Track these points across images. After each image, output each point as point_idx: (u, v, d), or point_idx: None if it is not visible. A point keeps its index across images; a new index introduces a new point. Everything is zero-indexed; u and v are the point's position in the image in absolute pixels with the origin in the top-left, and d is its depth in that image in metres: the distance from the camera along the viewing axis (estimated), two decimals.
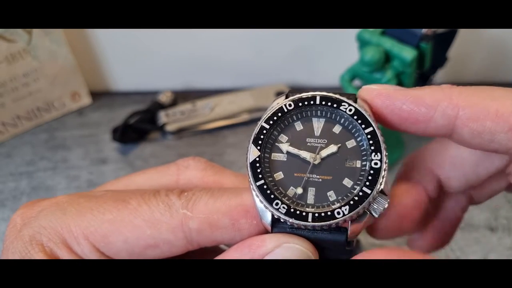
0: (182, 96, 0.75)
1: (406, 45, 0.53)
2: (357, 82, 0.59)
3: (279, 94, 0.72)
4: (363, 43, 0.56)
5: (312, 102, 0.29)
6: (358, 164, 0.28)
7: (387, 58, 0.54)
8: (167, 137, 0.69)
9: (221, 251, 0.30)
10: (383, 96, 0.29)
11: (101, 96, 0.76)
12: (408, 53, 0.52)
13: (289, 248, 0.27)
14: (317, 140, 0.29)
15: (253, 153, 0.28)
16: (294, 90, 0.30)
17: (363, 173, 0.28)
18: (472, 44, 0.71)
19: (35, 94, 0.69)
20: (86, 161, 0.65)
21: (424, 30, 0.52)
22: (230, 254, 0.28)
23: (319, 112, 0.29)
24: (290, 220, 0.27)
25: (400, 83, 0.56)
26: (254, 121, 0.70)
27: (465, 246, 0.52)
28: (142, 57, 0.74)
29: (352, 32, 0.57)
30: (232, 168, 0.63)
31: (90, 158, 0.66)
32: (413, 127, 0.30)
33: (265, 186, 0.27)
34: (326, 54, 0.72)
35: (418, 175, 0.33)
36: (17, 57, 0.65)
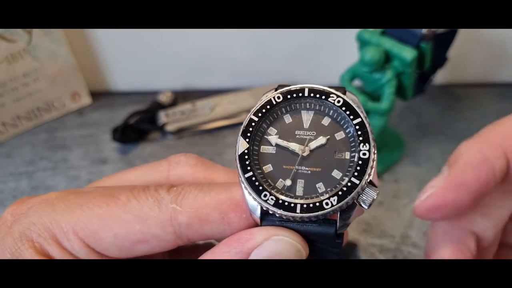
0: (182, 96, 0.75)
1: (406, 45, 0.53)
2: (357, 82, 0.59)
3: None
4: (363, 43, 0.56)
5: (300, 94, 0.29)
6: (347, 155, 0.28)
7: (387, 58, 0.54)
8: (167, 137, 0.69)
9: (211, 246, 0.30)
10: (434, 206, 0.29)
11: (101, 96, 0.76)
12: (408, 53, 0.52)
13: (278, 240, 0.27)
14: (306, 132, 0.29)
15: (242, 145, 0.28)
16: (284, 84, 0.30)
17: (352, 164, 0.28)
18: (472, 44, 0.71)
19: (35, 94, 0.69)
20: (86, 161, 0.65)
21: (424, 30, 0.52)
22: (219, 249, 0.28)
23: (307, 104, 0.29)
24: (279, 212, 0.27)
25: (400, 83, 0.56)
26: None
27: None
28: (142, 57, 0.74)
29: (352, 32, 0.57)
30: (232, 168, 0.63)
31: (90, 158, 0.66)
32: (487, 188, 0.29)
33: (253, 178, 0.27)
34: (326, 54, 0.72)
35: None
36: (17, 57, 0.65)
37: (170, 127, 0.68)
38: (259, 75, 0.75)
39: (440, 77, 0.74)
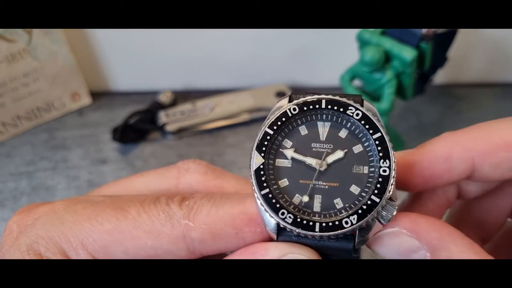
0: (182, 96, 0.75)
1: (406, 45, 0.53)
2: (357, 82, 0.59)
3: (280, 94, 0.72)
4: (363, 43, 0.56)
5: (317, 106, 0.28)
6: (365, 170, 0.27)
7: (387, 58, 0.54)
8: (167, 137, 0.69)
9: (223, 256, 0.29)
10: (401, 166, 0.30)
11: (101, 96, 0.76)
12: (408, 53, 0.52)
13: (293, 258, 0.27)
14: (323, 145, 0.28)
15: (257, 160, 0.28)
16: (297, 91, 0.29)
17: (371, 180, 0.27)
18: (472, 44, 0.71)
19: (35, 94, 0.69)
20: (86, 161, 0.65)
21: (424, 30, 0.52)
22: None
23: (324, 116, 0.28)
24: (297, 230, 0.26)
25: (400, 83, 0.56)
26: (254, 121, 0.70)
27: None
28: (142, 57, 0.74)
29: (352, 32, 0.57)
30: (232, 168, 0.63)
31: (90, 158, 0.66)
32: (438, 182, 0.30)
33: (270, 195, 0.27)
34: (326, 54, 0.72)
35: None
36: (17, 57, 0.65)
37: (170, 127, 0.68)
38: (259, 75, 0.75)
39: (440, 77, 0.74)
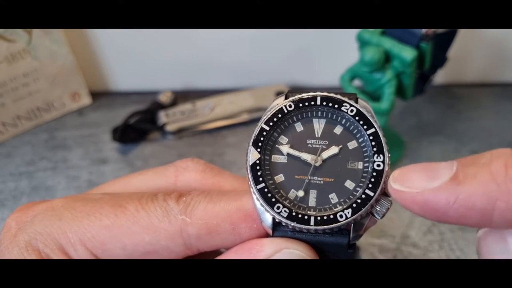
0: (182, 96, 0.75)
1: (406, 45, 0.53)
2: (357, 82, 0.59)
3: (279, 94, 0.72)
4: (363, 43, 0.56)
5: (312, 103, 0.28)
6: (360, 165, 0.28)
7: (387, 58, 0.54)
8: (167, 137, 0.69)
9: (220, 253, 0.30)
10: (420, 204, 0.23)
11: (101, 96, 0.76)
12: (408, 53, 0.52)
13: (289, 253, 0.27)
14: (318, 142, 0.29)
15: (253, 155, 0.28)
16: (294, 90, 0.30)
17: (366, 174, 0.27)
18: (472, 44, 0.71)
19: (35, 94, 0.69)
20: (86, 161, 0.65)
21: (424, 30, 0.52)
22: (229, 256, 0.28)
23: (319, 112, 0.29)
24: (292, 224, 0.27)
25: (400, 83, 0.56)
26: (254, 121, 0.70)
27: (465, 246, 0.52)
28: (142, 57, 0.74)
29: (352, 32, 0.57)
30: (232, 168, 0.63)
31: (90, 158, 0.66)
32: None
33: (265, 190, 0.27)
34: (326, 54, 0.72)
35: None
36: (17, 57, 0.65)
37: (170, 127, 0.68)
38: (259, 75, 0.75)
39: (440, 77, 0.74)
